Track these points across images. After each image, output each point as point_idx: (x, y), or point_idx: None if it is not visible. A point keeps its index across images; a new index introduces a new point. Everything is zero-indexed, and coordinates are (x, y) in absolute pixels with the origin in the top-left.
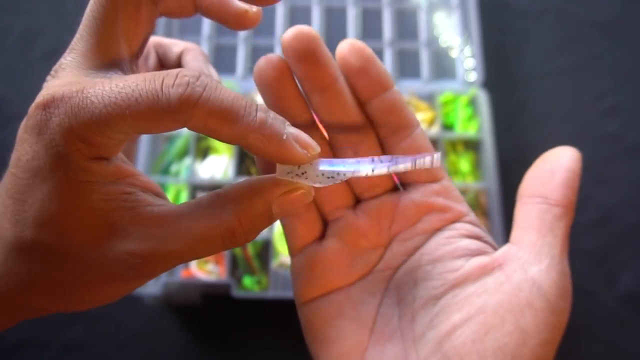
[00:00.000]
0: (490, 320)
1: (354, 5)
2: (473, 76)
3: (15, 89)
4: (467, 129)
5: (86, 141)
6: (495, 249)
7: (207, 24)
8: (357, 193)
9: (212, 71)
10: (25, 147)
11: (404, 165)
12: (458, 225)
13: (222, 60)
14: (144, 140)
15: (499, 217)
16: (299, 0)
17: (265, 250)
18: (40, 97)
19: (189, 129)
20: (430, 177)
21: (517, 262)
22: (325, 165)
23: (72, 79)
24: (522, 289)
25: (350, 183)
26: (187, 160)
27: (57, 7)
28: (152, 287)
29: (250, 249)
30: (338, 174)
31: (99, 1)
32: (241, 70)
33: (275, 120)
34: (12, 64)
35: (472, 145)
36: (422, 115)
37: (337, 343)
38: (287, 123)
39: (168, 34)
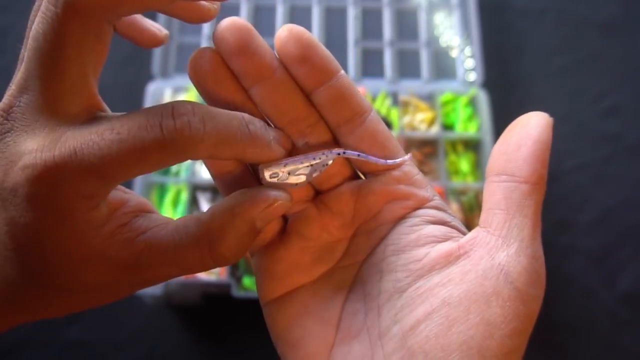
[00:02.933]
0: (455, 312)
1: (354, 5)
2: (473, 76)
3: None
4: (467, 129)
5: (89, 197)
6: (464, 234)
7: (207, 24)
8: (315, 184)
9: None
10: (20, 212)
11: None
12: (422, 211)
13: None
14: None
15: None
16: (299, 0)
17: None
18: (29, 169)
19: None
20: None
21: (484, 248)
22: (310, 159)
23: (49, 136)
24: (489, 277)
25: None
26: (187, 161)
27: None
28: (152, 287)
29: None
30: (318, 164)
31: (51, 32)
32: None
33: (262, 128)
34: (12, 64)
35: (472, 145)
36: (422, 116)
37: (303, 343)
38: (266, 125)
39: (169, 34)
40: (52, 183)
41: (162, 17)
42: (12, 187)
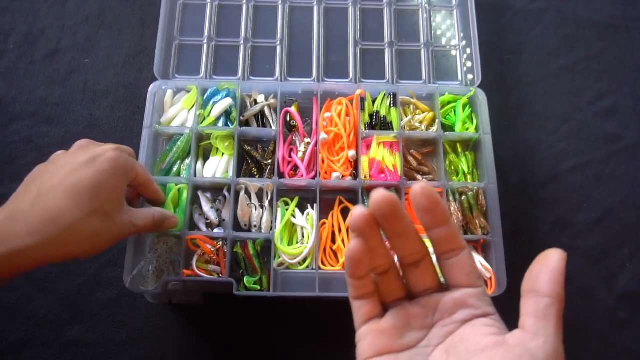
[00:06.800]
0: None
1: (353, 5)
2: (472, 76)
3: (16, 89)
4: (466, 129)
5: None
6: (506, 331)
7: (207, 25)
8: (412, 290)
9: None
10: (100, 163)
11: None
12: (484, 320)
13: (222, 60)
14: (145, 140)
15: (498, 216)
16: (299, 0)
17: (266, 250)
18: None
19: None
20: (470, 282)
21: (520, 339)
22: None
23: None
24: (522, 355)
25: (410, 284)
26: (188, 161)
27: (58, 8)
28: (153, 286)
29: (251, 248)
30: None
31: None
32: (241, 71)
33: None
34: (14, 64)
35: (471, 146)
36: (421, 116)
37: None
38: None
39: (169, 35)
40: (122, 163)
41: (162, 17)
42: (100, 155)
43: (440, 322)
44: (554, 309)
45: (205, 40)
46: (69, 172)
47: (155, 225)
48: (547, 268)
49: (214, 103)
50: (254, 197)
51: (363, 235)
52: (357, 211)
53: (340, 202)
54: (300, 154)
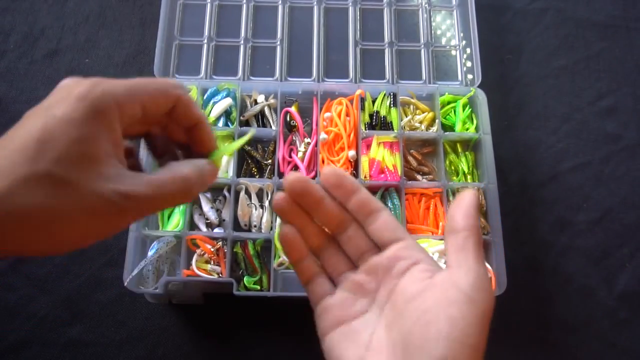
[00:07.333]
0: (428, 316)
1: (353, 5)
2: (472, 76)
3: (16, 89)
4: (466, 129)
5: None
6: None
7: (207, 25)
8: (353, 259)
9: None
10: (63, 104)
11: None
12: (420, 266)
13: (222, 60)
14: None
15: (498, 216)
16: (299, 0)
17: (266, 249)
18: (86, 86)
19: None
20: (396, 237)
21: (445, 276)
22: None
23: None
24: (449, 290)
25: (348, 254)
26: None
27: (58, 8)
28: (153, 286)
29: (251, 248)
30: None
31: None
32: (241, 71)
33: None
34: (14, 64)
35: (471, 146)
36: (421, 116)
37: (343, 358)
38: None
39: (169, 35)
40: (99, 99)
41: (162, 17)
42: (68, 95)
43: (383, 283)
44: (471, 241)
45: (205, 40)
46: (16, 127)
47: (181, 190)
48: (460, 206)
49: (214, 103)
50: (254, 197)
51: (288, 217)
52: (276, 195)
53: None
54: (300, 154)
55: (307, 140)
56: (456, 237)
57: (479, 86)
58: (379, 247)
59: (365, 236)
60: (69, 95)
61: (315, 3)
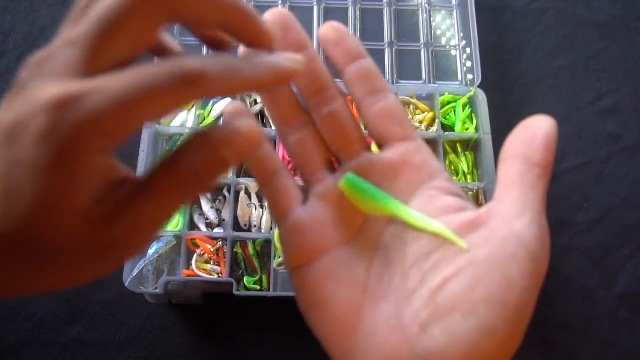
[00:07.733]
0: (480, 271)
1: (353, 5)
2: (472, 76)
3: None
4: (466, 129)
5: (105, 134)
6: (473, 206)
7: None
8: (334, 153)
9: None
10: (21, 147)
11: None
12: (437, 183)
13: None
14: (145, 141)
15: None
16: (299, 0)
17: (266, 249)
18: (52, 96)
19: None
20: (404, 136)
21: (501, 218)
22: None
23: (74, 81)
24: (507, 242)
25: (326, 143)
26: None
27: (58, 8)
28: (153, 286)
29: (251, 248)
30: None
31: (118, 5)
32: None
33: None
34: (14, 64)
35: (471, 146)
36: (421, 116)
37: (331, 305)
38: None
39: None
40: (68, 110)
41: None
42: (24, 122)
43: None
44: (544, 182)
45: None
46: None
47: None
48: (540, 132)
49: (214, 103)
50: (254, 197)
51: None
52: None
53: None
54: None
55: None
56: (527, 171)
57: (479, 86)
58: (376, 141)
59: (355, 120)
60: (29, 125)
61: (315, 3)
